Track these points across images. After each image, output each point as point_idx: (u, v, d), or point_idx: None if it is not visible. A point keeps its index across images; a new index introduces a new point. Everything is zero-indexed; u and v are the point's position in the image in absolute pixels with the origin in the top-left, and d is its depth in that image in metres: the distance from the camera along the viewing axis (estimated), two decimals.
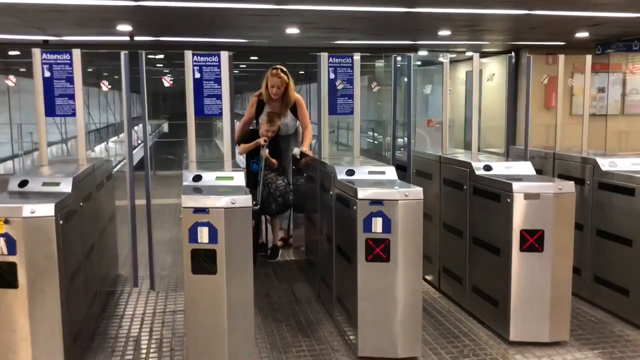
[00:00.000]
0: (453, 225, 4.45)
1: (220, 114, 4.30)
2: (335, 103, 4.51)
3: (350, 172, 3.92)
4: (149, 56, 14.88)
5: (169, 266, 5.50)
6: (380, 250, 3.48)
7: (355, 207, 3.49)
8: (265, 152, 5.23)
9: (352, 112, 4.55)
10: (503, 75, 14.37)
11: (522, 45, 12.80)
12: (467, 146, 5.08)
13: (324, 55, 4.44)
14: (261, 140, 5.29)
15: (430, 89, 14.88)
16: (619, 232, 4.13)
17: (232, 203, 3.24)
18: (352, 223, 3.56)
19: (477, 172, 4.09)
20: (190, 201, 3.26)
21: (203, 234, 3.25)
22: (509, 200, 3.69)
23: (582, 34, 10.82)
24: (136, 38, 10.21)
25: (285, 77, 5.37)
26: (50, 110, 4.13)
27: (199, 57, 4.22)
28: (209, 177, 3.75)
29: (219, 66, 4.25)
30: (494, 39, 11.94)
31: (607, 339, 3.91)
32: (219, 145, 28.09)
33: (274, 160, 5.35)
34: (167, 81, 6.50)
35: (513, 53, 13.49)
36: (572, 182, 3.73)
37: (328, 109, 4.50)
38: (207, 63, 4.24)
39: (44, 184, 3.49)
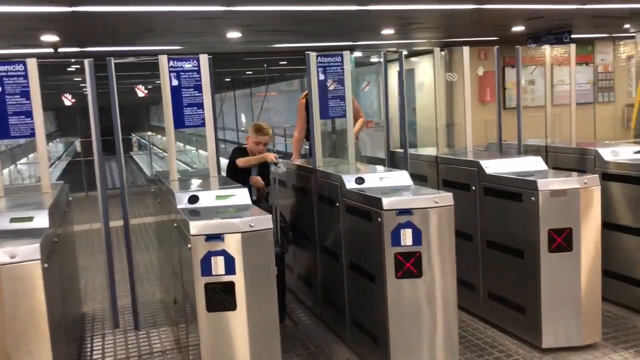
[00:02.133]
0: (461, 229, 4.17)
1: (203, 124, 3.82)
2: (327, 106, 4.12)
3: (360, 180, 3.56)
4: (68, 69, 13.84)
5: (141, 298, 4.91)
6: (410, 265, 3.14)
7: (379, 219, 3.13)
8: (257, 179, 4.42)
9: (344, 115, 4.19)
10: (439, 73, 14.48)
11: (456, 42, 12.91)
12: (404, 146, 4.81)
13: (312, 55, 4.05)
14: (272, 156, 4.26)
15: (366, 87, 14.74)
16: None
17: (251, 226, 2.79)
18: (374, 237, 3.20)
19: (487, 172, 3.84)
20: (202, 227, 2.78)
21: (218, 265, 2.78)
22: (533, 199, 3.45)
23: (518, 28, 11.01)
24: (60, 49, 9.36)
25: None
26: (3, 132, 3.49)
27: (175, 62, 3.72)
28: (207, 197, 3.26)
29: (198, 71, 3.77)
30: (430, 36, 11.94)
31: None
32: (138, 161, 26.75)
33: (262, 186, 4.48)
34: (141, 90, 5.84)
35: (446, 50, 13.61)
36: (596, 176, 3.54)
37: (320, 112, 4.11)
38: (185, 68, 3.75)
39: (13, 219, 2.89)
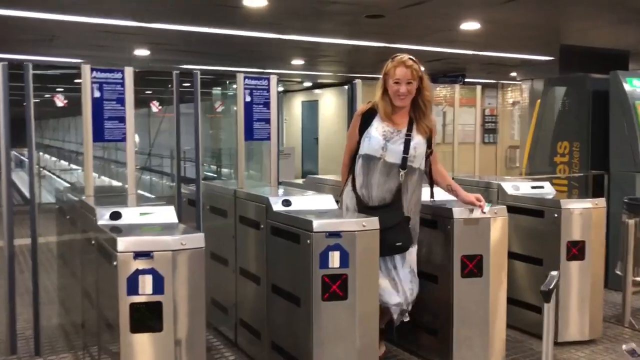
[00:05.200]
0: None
1: (123, 139, 3.69)
2: (252, 128, 4.13)
3: (287, 202, 3.57)
4: None
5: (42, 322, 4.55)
6: (337, 288, 3.18)
7: (309, 241, 3.16)
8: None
9: (269, 138, 4.21)
10: (341, 106, 14.93)
11: (358, 77, 13.41)
12: (306, 175, 4.96)
13: (240, 76, 4.05)
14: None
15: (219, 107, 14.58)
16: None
17: (182, 244, 2.72)
18: (302, 259, 3.22)
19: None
20: (130, 244, 2.66)
21: (146, 284, 2.67)
22: (449, 226, 3.64)
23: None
24: None
25: (419, 69, 3.38)
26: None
27: (98, 73, 3.58)
28: (131, 214, 3.13)
29: (122, 84, 3.65)
30: (336, 70, 12.32)
31: None
32: (14, 178, 24.69)
33: None
34: (60, 100, 5.48)
35: (349, 85, 14.07)
36: (504, 207, 3.81)
37: (245, 134, 4.10)
38: (108, 80, 3.61)
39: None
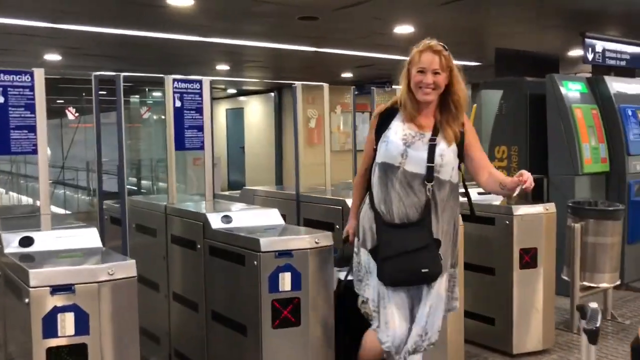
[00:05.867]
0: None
1: (34, 152, 3.19)
2: (183, 136, 3.72)
3: (228, 219, 3.20)
4: None
5: None
6: (288, 313, 2.85)
7: (256, 262, 2.80)
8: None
9: (202, 147, 3.81)
10: (267, 114, 14.57)
11: (286, 84, 13.13)
12: (233, 186, 4.51)
13: (169, 79, 3.64)
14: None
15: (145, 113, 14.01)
16: None
17: (110, 274, 2.29)
18: (247, 282, 2.86)
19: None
20: (45, 277, 2.21)
21: (67, 324, 2.22)
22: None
23: (346, 75, 11.51)
24: None
25: (450, 58, 2.72)
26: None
27: (2, 76, 3.07)
28: (45, 239, 2.66)
29: (31, 88, 3.16)
30: (263, 76, 11.97)
31: None
32: None
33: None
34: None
35: (276, 92, 13.76)
36: None
37: (175, 143, 3.68)
38: (14, 84, 3.11)
39: None
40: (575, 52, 8.35)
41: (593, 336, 2.23)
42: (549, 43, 7.79)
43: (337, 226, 3.81)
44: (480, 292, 4.18)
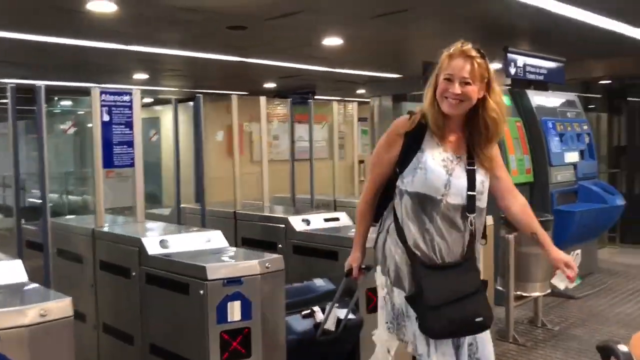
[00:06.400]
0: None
1: None
2: (112, 153, 3.44)
3: (165, 244, 2.97)
4: None
5: None
6: (237, 344, 2.66)
7: (202, 292, 2.60)
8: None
9: (132, 164, 3.54)
10: (186, 123, 14.11)
11: (205, 93, 12.79)
12: (149, 200, 4.17)
13: (95, 91, 3.36)
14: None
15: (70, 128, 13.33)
16: None
17: (42, 316, 2.02)
18: (193, 313, 2.65)
19: None
20: None
21: None
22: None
23: (269, 85, 11.37)
24: None
25: (486, 67, 2.26)
26: None
27: None
28: None
29: None
30: (182, 84, 11.60)
31: None
32: None
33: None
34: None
35: (195, 100, 13.37)
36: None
37: (103, 160, 3.40)
38: None
39: None
40: (492, 66, 8.65)
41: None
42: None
43: (280, 245, 3.65)
44: None
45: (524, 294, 4.71)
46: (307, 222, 3.63)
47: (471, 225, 2.28)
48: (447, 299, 2.20)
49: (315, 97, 12.49)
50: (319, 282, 2.95)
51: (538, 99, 6.16)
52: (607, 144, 8.70)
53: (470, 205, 2.27)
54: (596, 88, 9.44)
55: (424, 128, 2.29)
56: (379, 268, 2.40)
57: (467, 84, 2.20)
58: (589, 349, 4.35)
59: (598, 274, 6.58)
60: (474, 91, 2.21)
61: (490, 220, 4.18)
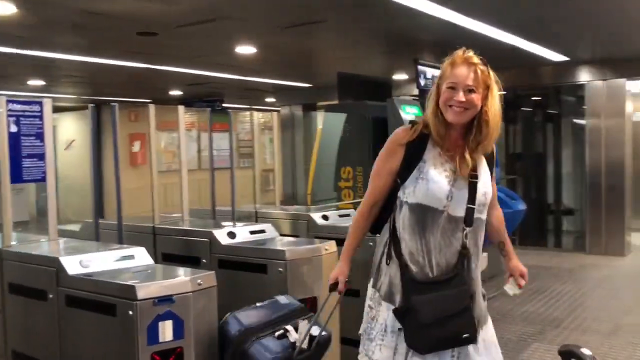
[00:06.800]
0: None
1: None
2: (20, 167, 3.18)
3: (86, 263, 2.79)
4: None
5: None
6: None
7: (131, 312, 2.46)
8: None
9: (43, 179, 3.30)
10: (84, 131, 13.41)
11: (106, 100, 12.24)
12: (41, 213, 3.99)
13: (1, 99, 3.10)
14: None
15: None
16: None
17: None
18: (121, 335, 2.51)
19: None
20: None
21: None
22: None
23: (175, 92, 11.07)
24: None
25: (488, 74, 2.23)
26: None
27: None
28: None
29: None
30: (80, 92, 11.05)
31: None
32: None
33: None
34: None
35: (92, 107, 12.76)
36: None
37: (10, 175, 3.14)
38: None
39: None
40: (398, 76, 8.95)
41: None
42: (378, 67, 8.24)
43: (204, 260, 3.54)
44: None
45: None
46: (233, 235, 3.54)
47: (465, 238, 2.22)
48: (438, 316, 2.16)
49: (223, 105, 12.32)
50: (283, 300, 2.85)
51: None
52: (505, 151, 9.23)
53: (468, 217, 2.22)
54: None
55: (426, 138, 2.25)
56: (371, 281, 2.35)
57: (471, 91, 2.18)
58: (502, 347, 4.55)
59: (502, 276, 6.94)
60: (478, 98, 2.19)
61: None
